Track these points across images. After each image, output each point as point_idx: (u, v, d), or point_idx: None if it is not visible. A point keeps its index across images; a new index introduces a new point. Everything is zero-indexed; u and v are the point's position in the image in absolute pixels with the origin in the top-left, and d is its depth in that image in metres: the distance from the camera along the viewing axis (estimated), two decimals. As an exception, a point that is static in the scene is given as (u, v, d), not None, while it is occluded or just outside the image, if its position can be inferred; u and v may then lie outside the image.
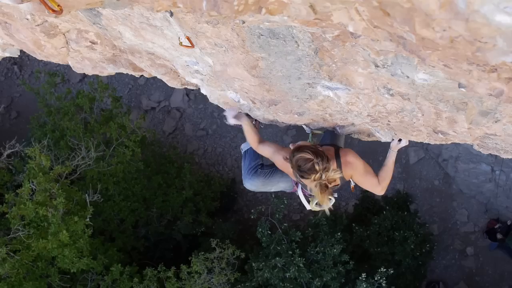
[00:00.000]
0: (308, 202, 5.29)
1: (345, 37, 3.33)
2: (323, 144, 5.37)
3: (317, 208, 4.99)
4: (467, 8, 1.96)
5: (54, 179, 11.27)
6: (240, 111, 5.58)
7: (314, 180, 4.43)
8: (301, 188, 5.37)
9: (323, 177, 4.42)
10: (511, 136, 4.13)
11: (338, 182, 4.92)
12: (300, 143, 4.80)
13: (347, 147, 5.68)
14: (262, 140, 5.51)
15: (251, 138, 5.49)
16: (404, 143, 5.32)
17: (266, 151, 5.39)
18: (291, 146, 4.81)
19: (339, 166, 4.90)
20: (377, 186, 5.11)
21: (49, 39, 5.12)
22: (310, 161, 4.38)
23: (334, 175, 4.51)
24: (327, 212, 4.84)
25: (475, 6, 1.93)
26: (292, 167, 4.57)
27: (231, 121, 5.62)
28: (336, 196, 5.06)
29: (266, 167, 5.91)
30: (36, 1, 2.96)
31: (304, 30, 3.55)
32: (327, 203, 4.69)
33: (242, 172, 6.02)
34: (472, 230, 16.56)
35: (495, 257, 16.17)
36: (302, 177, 4.48)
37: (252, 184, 5.95)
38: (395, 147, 5.39)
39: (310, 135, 5.92)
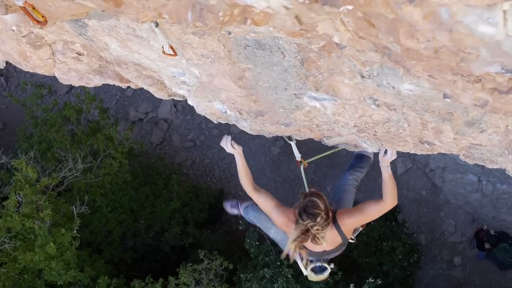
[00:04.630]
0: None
1: (330, 47, 3.35)
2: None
3: (313, 276, 5.15)
4: (450, 18, 1.97)
5: (41, 191, 11.20)
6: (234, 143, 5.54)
7: (304, 226, 4.51)
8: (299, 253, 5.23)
9: (313, 229, 4.51)
10: (496, 146, 4.16)
11: (340, 241, 4.99)
12: (321, 193, 4.82)
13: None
14: (256, 186, 5.37)
15: (244, 176, 5.39)
16: (390, 154, 5.24)
17: (264, 201, 5.26)
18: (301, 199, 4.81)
19: (339, 230, 4.92)
20: (385, 205, 5.09)
21: (35, 50, 5.10)
22: (319, 211, 4.51)
23: (320, 234, 4.56)
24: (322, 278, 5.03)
25: (458, 17, 1.95)
26: (299, 204, 4.65)
27: (228, 148, 5.61)
28: (332, 267, 5.25)
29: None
30: (21, 12, 2.95)
31: (290, 41, 3.56)
32: (292, 250, 4.70)
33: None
34: (459, 240, 16.60)
35: (483, 267, 16.21)
36: (300, 215, 4.56)
37: (248, 213, 6.00)
38: (384, 162, 5.30)
39: (302, 167, 5.99)
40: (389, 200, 5.08)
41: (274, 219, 5.19)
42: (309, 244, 4.84)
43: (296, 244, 4.64)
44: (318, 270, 5.18)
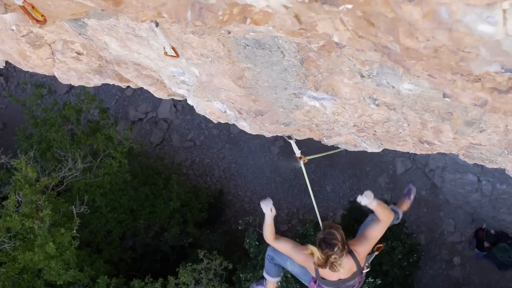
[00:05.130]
0: None
1: (330, 47, 3.35)
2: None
3: None
4: (450, 17, 1.97)
5: (41, 190, 11.19)
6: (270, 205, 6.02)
7: (322, 253, 5.20)
8: (318, 284, 5.85)
9: (332, 257, 5.19)
10: (496, 146, 4.16)
11: (355, 269, 5.60)
12: (338, 226, 5.50)
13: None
14: (276, 235, 6.01)
15: (269, 232, 5.95)
16: (366, 197, 5.66)
17: (284, 246, 5.92)
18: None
19: (354, 258, 5.54)
20: (384, 224, 5.72)
21: (34, 50, 5.09)
22: (336, 241, 5.15)
23: (337, 262, 5.24)
24: None
25: (458, 16, 1.95)
26: (319, 235, 5.35)
27: (267, 211, 6.01)
28: None
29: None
30: (20, 11, 2.94)
31: (290, 41, 3.56)
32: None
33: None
34: (459, 240, 16.61)
35: (482, 267, 16.21)
36: (320, 245, 5.22)
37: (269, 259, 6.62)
38: (369, 205, 5.69)
39: (302, 162, 6.32)
40: (385, 219, 5.69)
41: (294, 259, 5.87)
42: (326, 273, 5.48)
43: (321, 256, 5.29)
44: None
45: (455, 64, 2.27)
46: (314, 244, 5.42)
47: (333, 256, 5.18)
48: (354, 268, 5.61)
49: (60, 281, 11.19)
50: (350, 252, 5.54)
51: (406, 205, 7.07)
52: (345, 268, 5.44)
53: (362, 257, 5.65)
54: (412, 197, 7.21)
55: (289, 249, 5.85)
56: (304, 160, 6.36)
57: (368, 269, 5.98)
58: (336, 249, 5.15)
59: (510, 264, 15.80)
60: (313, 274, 5.77)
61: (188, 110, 18.37)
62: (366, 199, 5.64)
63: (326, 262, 5.26)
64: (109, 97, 19.02)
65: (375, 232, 5.71)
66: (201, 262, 12.52)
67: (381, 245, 5.89)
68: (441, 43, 2.13)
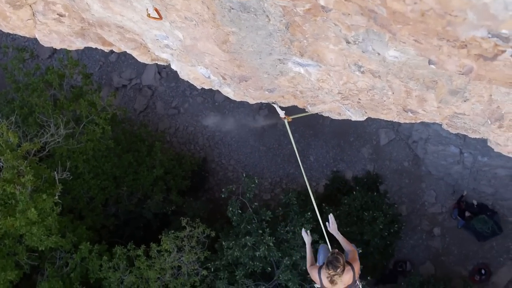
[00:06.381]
0: None
1: (316, 11, 3.30)
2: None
3: None
4: (438, -21, 1.94)
5: (22, 156, 11.11)
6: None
7: (328, 273, 6.79)
8: None
9: (334, 277, 6.79)
10: (479, 116, 4.17)
11: (350, 281, 7.11)
12: (341, 254, 7.00)
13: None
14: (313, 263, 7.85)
15: (309, 258, 7.83)
16: (332, 224, 7.83)
17: (310, 267, 7.68)
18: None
19: (353, 272, 7.10)
20: (356, 253, 7.53)
21: (14, 11, 4.99)
22: (340, 265, 6.70)
23: (338, 279, 6.85)
24: None
25: (446, -22, 1.92)
26: (329, 256, 6.88)
27: (305, 237, 8.06)
28: None
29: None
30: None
31: (276, 4, 3.51)
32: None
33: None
34: (439, 211, 16.80)
35: (461, 238, 16.45)
36: (327, 265, 6.75)
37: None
38: (333, 231, 7.81)
39: (286, 122, 6.84)
40: (354, 248, 7.60)
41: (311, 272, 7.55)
42: (327, 284, 7.02)
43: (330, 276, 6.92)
44: None
45: (441, 29, 2.25)
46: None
47: (335, 276, 6.80)
48: (350, 281, 7.13)
49: (42, 247, 11.19)
50: (351, 267, 7.09)
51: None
52: (343, 281, 6.99)
53: (357, 272, 7.24)
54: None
55: (309, 265, 7.74)
56: (288, 120, 6.78)
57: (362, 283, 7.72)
58: (338, 270, 6.74)
59: (488, 235, 16.05)
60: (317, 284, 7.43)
61: (172, 77, 18.25)
62: (332, 223, 7.79)
63: (330, 278, 6.89)
64: (93, 62, 18.83)
65: (356, 257, 7.43)
66: (183, 230, 12.56)
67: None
68: (429, 6, 2.11)
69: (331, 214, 8.07)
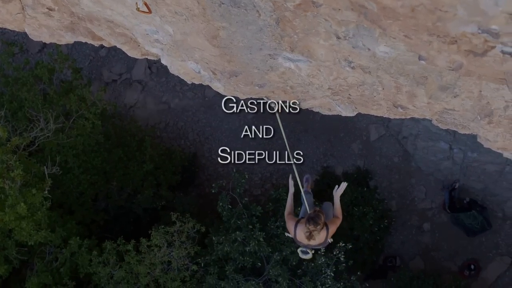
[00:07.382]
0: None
1: (306, 6, 3.29)
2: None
3: (300, 254, 7.64)
4: (428, -25, 1.94)
5: (12, 150, 11.05)
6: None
7: (308, 228, 7.00)
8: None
9: (314, 232, 7.02)
10: (469, 112, 4.18)
11: (323, 240, 7.35)
12: (323, 212, 7.34)
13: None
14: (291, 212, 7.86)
15: (289, 205, 7.85)
16: (341, 189, 8.04)
17: (288, 216, 7.72)
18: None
19: (327, 233, 7.30)
20: (340, 221, 7.70)
21: (3, 4, 4.96)
22: (321, 222, 7.01)
23: (316, 235, 7.09)
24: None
25: (436, -27, 1.92)
26: (310, 213, 7.18)
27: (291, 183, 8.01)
28: (313, 252, 7.73)
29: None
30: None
31: (266, -1, 3.50)
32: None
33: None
34: (429, 207, 16.87)
35: (451, 233, 16.53)
36: (308, 220, 7.01)
37: None
38: (336, 196, 8.00)
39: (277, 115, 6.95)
40: (341, 217, 7.80)
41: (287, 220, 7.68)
42: (302, 238, 7.26)
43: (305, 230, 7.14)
44: (304, 252, 7.61)
45: (432, 24, 2.25)
46: None
47: (314, 231, 7.02)
48: (323, 240, 7.37)
49: (31, 242, 11.14)
50: (326, 227, 7.26)
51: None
52: (319, 238, 7.22)
53: (331, 234, 7.42)
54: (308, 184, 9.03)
55: (286, 215, 7.70)
56: (279, 112, 6.95)
57: (331, 242, 7.64)
58: (318, 227, 7.00)
59: (478, 231, 16.13)
60: (291, 231, 7.54)
61: (163, 72, 18.18)
62: (341, 189, 7.98)
63: (309, 233, 7.08)
64: (83, 57, 18.73)
65: (336, 224, 7.58)
66: (173, 225, 12.54)
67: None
68: (419, 2, 2.10)
69: (344, 182, 8.19)
